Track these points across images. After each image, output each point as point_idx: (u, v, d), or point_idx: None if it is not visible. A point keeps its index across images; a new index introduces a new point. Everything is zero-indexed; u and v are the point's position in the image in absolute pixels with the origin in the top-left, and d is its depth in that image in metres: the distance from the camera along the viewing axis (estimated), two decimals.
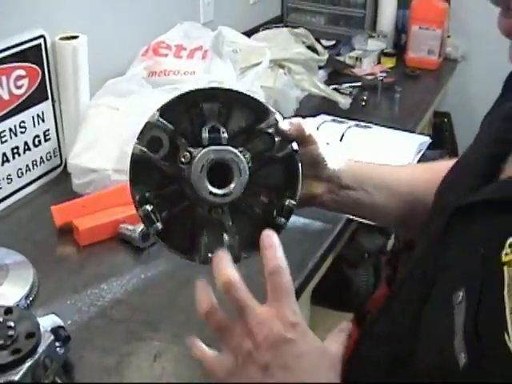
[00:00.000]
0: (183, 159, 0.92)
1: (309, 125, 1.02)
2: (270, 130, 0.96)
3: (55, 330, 1.07)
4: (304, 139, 1.00)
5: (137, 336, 1.18)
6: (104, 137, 1.54)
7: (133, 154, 0.93)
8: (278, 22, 2.95)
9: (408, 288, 0.88)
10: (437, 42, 2.71)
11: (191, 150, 0.93)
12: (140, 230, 1.40)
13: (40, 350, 1.00)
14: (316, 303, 1.74)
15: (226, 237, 0.95)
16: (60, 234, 1.46)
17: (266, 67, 1.99)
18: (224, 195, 0.91)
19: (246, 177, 0.92)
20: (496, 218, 0.72)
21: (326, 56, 2.35)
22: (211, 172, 0.92)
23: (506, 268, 0.65)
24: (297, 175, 0.97)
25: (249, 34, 2.30)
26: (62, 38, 1.64)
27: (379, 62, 2.71)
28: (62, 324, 1.09)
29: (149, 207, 0.93)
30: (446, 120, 3.18)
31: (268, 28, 2.58)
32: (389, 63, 2.70)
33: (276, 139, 0.96)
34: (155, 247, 1.41)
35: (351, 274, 2.24)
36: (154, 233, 0.94)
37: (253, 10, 2.78)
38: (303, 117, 1.05)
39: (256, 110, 0.96)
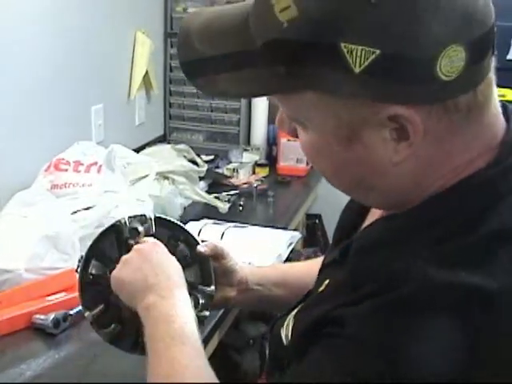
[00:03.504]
0: None
1: (221, 243, 1.31)
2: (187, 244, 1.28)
3: None
4: (218, 255, 1.28)
5: None
6: (15, 241, 1.75)
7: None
8: (162, 140, 3.20)
9: None
10: None
11: None
12: (51, 318, 1.61)
13: None
14: None
15: None
16: None
17: (152, 179, 2.26)
18: None
19: None
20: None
21: (206, 167, 2.64)
22: None
23: None
24: (209, 268, 1.28)
25: (136, 151, 2.54)
26: None
27: (254, 172, 2.96)
28: None
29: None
30: (317, 221, 3.43)
31: (153, 145, 2.86)
32: (262, 172, 2.95)
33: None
34: (65, 333, 1.62)
35: (238, 360, 2.46)
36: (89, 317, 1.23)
37: (138, 130, 3.00)
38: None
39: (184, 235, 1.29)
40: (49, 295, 1.69)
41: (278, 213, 2.64)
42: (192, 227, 2.02)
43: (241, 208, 2.57)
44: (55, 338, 1.60)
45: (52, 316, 1.61)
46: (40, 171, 2.08)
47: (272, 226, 2.37)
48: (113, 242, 1.25)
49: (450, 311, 0.76)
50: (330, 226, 3.39)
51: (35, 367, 1.49)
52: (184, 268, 1.18)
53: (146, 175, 2.24)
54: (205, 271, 1.28)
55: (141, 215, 1.26)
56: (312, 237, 3.38)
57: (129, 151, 2.28)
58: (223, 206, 2.48)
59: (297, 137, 0.91)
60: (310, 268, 1.26)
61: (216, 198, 2.55)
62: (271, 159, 3.13)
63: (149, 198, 2.17)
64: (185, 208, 2.43)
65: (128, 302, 1.15)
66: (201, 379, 0.96)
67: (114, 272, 1.17)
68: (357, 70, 0.74)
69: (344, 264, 0.92)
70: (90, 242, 1.25)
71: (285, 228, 2.42)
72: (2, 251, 1.74)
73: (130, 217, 1.25)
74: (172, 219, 1.31)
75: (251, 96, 0.87)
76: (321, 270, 1.07)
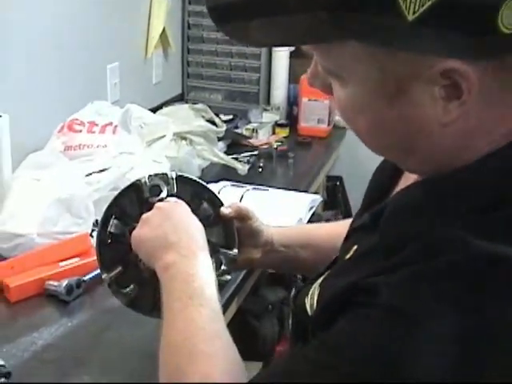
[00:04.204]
0: None
1: (245, 204, 1.28)
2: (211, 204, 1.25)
3: None
4: (242, 216, 1.25)
5: (67, 372, 1.33)
6: (27, 205, 1.70)
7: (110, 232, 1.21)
8: (180, 99, 3.13)
9: None
10: (325, 111, 2.91)
11: None
12: (64, 285, 1.56)
13: None
14: None
15: None
16: None
17: (169, 139, 2.20)
18: None
19: None
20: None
21: (224, 127, 2.58)
22: None
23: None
24: (233, 230, 1.25)
25: (153, 110, 2.49)
26: None
27: (274, 133, 2.90)
28: (3, 363, 1.25)
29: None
30: (338, 183, 3.37)
31: (170, 105, 2.80)
32: (282, 133, 2.89)
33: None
34: (78, 300, 1.58)
35: (257, 326, 2.42)
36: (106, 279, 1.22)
37: (156, 89, 2.94)
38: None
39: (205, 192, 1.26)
40: (62, 260, 1.64)
41: (299, 175, 2.58)
42: None
43: (260, 170, 2.52)
44: (68, 306, 1.56)
45: (65, 282, 1.56)
46: (53, 132, 2.03)
47: (292, 189, 2.31)
48: (133, 201, 1.21)
49: (493, 286, 0.71)
50: (351, 188, 3.38)
51: (47, 336, 1.44)
52: (206, 228, 1.14)
53: (163, 136, 2.19)
54: (228, 233, 1.25)
55: (162, 173, 1.23)
56: (332, 199, 3.32)
57: (145, 111, 2.22)
58: (242, 168, 2.43)
59: (330, 93, 0.84)
60: (336, 229, 1.21)
61: (235, 159, 2.50)
62: (292, 119, 3.06)
63: (165, 160, 2.12)
64: (203, 169, 2.38)
65: (147, 261, 1.11)
66: (217, 344, 0.92)
67: (135, 231, 1.14)
68: (410, 17, 0.66)
69: (375, 230, 0.85)
70: (108, 202, 1.22)
71: (305, 191, 2.36)
72: (14, 215, 1.70)
73: (150, 175, 1.21)
74: (194, 177, 1.28)
75: (286, 45, 0.79)
76: (348, 235, 1.01)
